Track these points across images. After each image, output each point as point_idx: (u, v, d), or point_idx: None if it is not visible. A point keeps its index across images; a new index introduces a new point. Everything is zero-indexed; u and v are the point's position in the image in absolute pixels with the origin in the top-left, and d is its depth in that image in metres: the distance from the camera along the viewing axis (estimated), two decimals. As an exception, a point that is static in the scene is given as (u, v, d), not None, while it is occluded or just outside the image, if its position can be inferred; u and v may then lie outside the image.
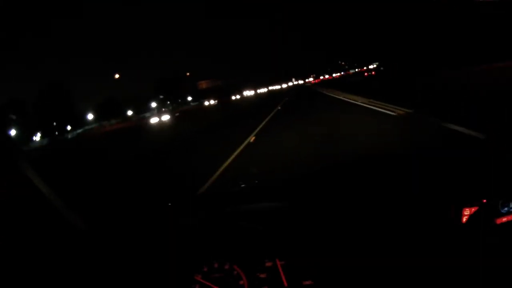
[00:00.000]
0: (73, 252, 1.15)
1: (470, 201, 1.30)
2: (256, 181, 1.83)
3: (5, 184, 1.05)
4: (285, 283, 1.21)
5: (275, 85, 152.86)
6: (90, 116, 65.98)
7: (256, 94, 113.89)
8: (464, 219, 1.30)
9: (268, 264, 1.23)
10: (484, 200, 1.31)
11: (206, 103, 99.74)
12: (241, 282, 1.22)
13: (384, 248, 1.27)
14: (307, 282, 1.21)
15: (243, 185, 1.75)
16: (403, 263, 1.23)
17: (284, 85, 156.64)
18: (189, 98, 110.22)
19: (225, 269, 1.23)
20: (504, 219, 1.34)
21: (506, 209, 1.35)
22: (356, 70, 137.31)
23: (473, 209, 1.29)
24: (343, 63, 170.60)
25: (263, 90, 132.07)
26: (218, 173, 6.52)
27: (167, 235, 1.31)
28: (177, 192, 4.85)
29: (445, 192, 1.34)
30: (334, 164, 2.07)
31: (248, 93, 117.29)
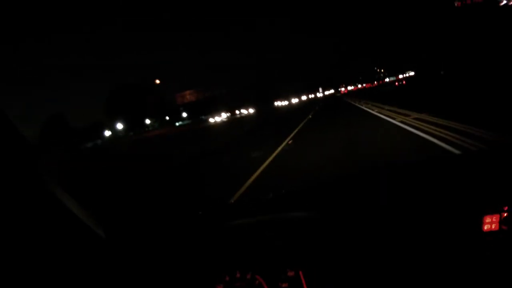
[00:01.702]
0: (92, 259, 1.47)
1: (491, 208, 1.62)
2: (283, 191, 2.21)
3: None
4: None
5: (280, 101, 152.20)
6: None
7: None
8: (486, 227, 1.62)
9: (290, 273, 1.57)
10: (506, 208, 1.63)
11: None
12: None
13: (407, 260, 1.60)
14: None
15: (270, 195, 2.12)
16: (427, 273, 1.56)
17: (295, 100, 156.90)
18: (184, 115, 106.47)
19: (247, 278, 1.58)
20: None
21: None
22: (395, 78, 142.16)
23: (494, 217, 1.62)
24: (379, 69, 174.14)
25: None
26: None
27: (189, 244, 1.66)
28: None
29: (464, 200, 1.65)
30: (359, 172, 2.45)
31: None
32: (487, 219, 1.63)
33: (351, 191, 1.99)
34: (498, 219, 1.65)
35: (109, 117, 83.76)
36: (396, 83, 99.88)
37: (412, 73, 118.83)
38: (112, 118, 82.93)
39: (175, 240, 1.72)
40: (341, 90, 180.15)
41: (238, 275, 1.59)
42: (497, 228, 1.65)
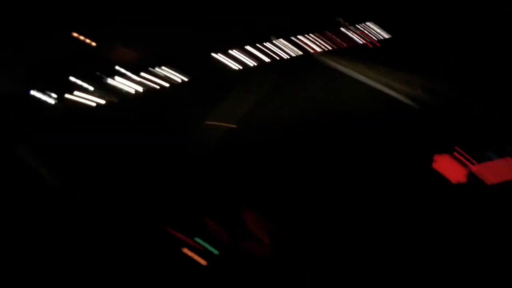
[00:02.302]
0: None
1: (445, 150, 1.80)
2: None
3: None
4: None
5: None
6: None
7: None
8: (438, 167, 1.80)
9: (241, 214, 1.68)
10: (458, 149, 1.82)
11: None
12: (218, 235, 1.65)
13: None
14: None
15: None
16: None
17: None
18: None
19: (202, 222, 1.66)
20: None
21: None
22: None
23: (445, 157, 1.80)
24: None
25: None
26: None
27: None
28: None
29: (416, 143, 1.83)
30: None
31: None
32: (438, 158, 1.80)
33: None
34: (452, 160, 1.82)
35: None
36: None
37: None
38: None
39: None
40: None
41: None
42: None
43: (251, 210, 1.50)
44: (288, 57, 13.02)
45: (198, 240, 1.54)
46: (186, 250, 1.59)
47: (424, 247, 1.48)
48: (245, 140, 2.32)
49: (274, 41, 12.58)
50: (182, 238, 1.53)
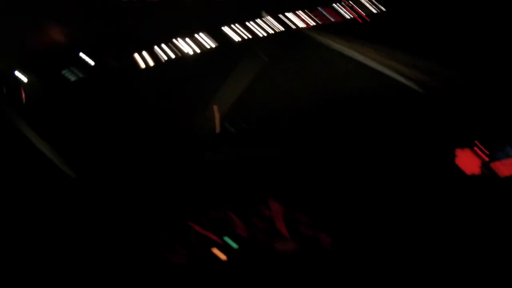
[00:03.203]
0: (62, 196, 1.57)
1: (463, 143, 1.84)
2: (244, 125, 2.31)
3: None
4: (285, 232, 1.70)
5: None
6: None
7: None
8: (457, 161, 1.85)
9: (262, 208, 1.70)
10: (477, 142, 1.87)
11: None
12: (238, 230, 1.69)
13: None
14: (308, 232, 1.71)
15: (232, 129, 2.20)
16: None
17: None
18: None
19: (222, 217, 1.69)
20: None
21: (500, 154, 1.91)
22: None
23: (465, 151, 1.84)
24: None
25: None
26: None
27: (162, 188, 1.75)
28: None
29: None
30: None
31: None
32: (459, 152, 1.84)
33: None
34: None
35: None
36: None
37: None
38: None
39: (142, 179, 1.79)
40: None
41: (213, 214, 1.70)
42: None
43: (272, 200, 1.52)
44: (276, 33, 12.75)
45: (217, 233, 1.54)
46: (205, 244, 1.60)
47: (434, 239, 1.50)
48: (246, 127, 2.31)
49: (264, 18, 12.28)
50: (201, 232, 1.55)
